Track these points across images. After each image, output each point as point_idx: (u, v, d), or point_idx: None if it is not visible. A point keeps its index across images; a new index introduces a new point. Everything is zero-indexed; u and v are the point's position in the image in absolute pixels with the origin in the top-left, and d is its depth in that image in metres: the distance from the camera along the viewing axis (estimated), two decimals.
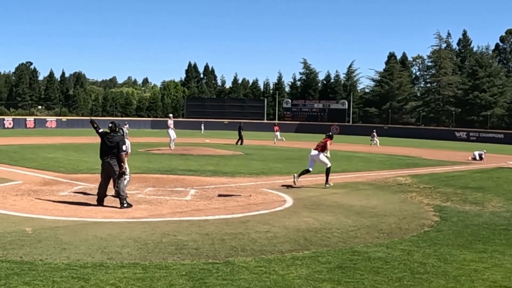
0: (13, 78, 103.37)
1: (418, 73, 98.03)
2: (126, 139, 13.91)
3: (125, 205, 11.51)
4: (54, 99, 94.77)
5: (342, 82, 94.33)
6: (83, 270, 6.85)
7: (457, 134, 62.47)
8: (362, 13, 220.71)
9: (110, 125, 12.25)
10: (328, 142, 16.84)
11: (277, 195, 14.17)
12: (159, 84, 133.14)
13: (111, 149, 11.80)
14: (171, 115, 35.60)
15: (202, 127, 66.26)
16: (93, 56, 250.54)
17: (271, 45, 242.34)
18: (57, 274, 6.65)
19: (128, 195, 12.12)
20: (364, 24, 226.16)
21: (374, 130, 48.55)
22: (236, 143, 38.80)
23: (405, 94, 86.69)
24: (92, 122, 12.91)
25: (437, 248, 8.66)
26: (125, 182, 13.17)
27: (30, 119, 66.04)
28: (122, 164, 11.89)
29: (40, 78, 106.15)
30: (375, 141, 44.66)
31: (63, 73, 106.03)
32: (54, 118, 71.15)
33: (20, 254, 7.53)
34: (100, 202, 11.79)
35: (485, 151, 31.86)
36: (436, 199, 14.30)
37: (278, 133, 45.11)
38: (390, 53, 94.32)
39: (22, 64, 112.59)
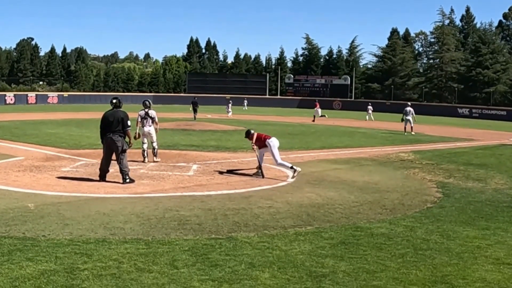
0: (14, 54, 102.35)
1: (420, 49, 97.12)
2: (152, 110, 14.58)
3: (128, 180, 11.50)
4: (56, 74, 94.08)
5: (345, 57, 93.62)
6: (86, 246, 6.85)
7: (460, 110, 62.11)
8: None
9: (114, 101, 12.13)
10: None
11: (279, 170, 14.12)
12: (160, 60, 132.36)
13: (113, 125, 11.71)
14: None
15: (245, 103, 63.28)
16: (94, 31, 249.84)
17: (273, 20, 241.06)
18: (60, 249, 6.66)
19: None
20: None
21: (370, 104, 50.96)
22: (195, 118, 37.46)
23: (407, 70, 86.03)
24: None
25: (440, 225, 8.65)
26: (155, 150, 14.90)
27: (31, 95, 65.72)
28: (129, 139, 11.88)
29: (42, 53, 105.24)
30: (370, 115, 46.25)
31: (65, 49, 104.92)
32: (56, 93, 70.85)
33: (23, 230, 7.54)
34: (102, 178, 11.77)
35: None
36: (439, 175, 14.27)
37: (319, 110, 43.77)
38: (392, 28, 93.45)
39: (23, 39, 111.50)
